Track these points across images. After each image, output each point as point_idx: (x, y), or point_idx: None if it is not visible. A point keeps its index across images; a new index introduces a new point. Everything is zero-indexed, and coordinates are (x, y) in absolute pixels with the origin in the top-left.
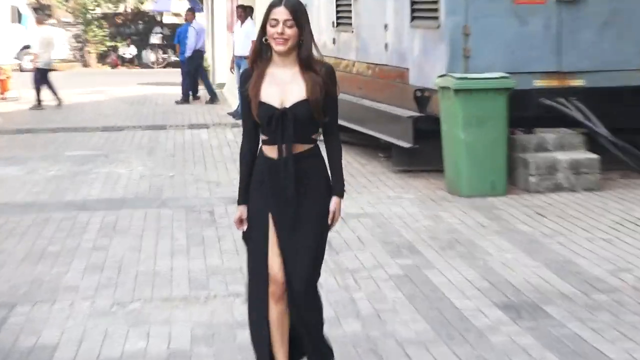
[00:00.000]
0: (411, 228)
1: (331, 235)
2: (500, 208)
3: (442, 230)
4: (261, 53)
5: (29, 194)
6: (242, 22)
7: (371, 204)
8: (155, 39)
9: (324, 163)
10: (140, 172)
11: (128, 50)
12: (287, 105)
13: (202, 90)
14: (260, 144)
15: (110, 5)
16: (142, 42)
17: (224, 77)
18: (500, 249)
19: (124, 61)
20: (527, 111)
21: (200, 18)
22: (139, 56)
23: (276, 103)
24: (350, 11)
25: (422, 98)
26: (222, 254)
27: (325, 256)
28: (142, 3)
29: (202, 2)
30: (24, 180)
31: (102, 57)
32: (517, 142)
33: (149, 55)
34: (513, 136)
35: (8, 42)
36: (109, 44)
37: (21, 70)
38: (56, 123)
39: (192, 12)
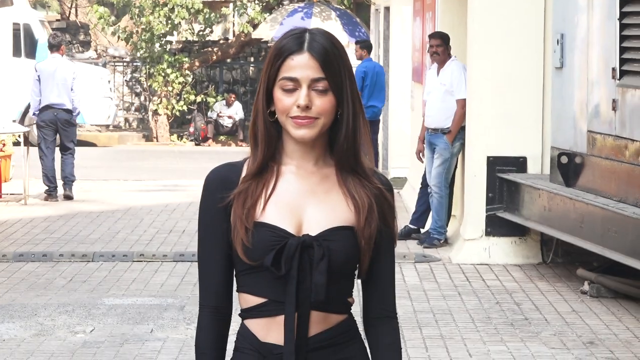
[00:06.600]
0: None
1: None
2: None
3: None
4: (270, 136)
5: None
6: (441, 64)
7: None
8: None
9: (366, 352)
10: None
11: (228, 111)
12: (312, 231)
13: None
14: (242, 321)
15: (197, 29)
16: (254, 97)
17: (402, 163)
18: None
19: (220, 132)
20: None
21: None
22: (247, 122)
23: (290, 226)
24: None
25: None
26: None
27: None
28: (254, 26)
29: (369, 30)
30: (28, 349)
31: (179, 124)
32: None
33: None
34: None
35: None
36: (193, 98)
37: (26, 142)
38: (89, 244)
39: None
